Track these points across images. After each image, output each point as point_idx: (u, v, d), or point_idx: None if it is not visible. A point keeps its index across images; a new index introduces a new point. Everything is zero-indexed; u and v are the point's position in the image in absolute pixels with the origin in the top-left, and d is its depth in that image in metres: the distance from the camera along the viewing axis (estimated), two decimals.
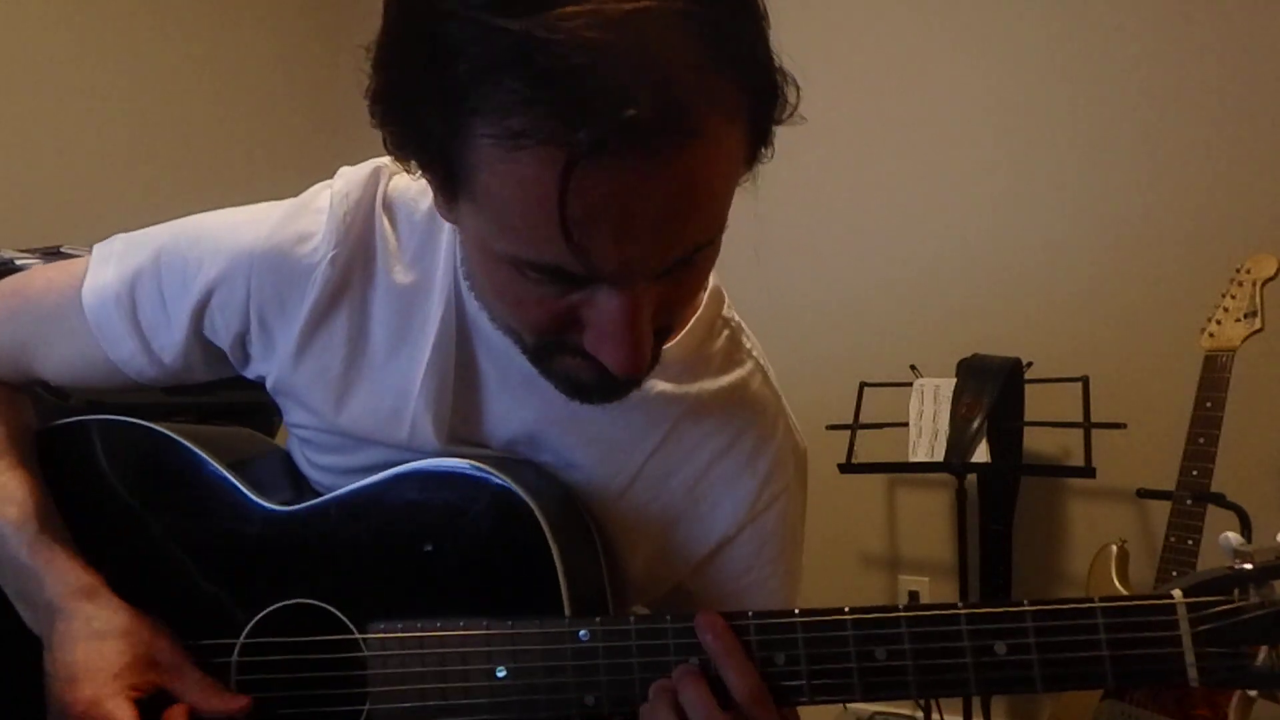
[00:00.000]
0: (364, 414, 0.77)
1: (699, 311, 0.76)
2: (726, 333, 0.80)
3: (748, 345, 0.81)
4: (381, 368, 0.76)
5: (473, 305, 0.74)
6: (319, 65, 3.03)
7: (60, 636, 0.70)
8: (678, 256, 0.55)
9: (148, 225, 0.91)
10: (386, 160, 0.76)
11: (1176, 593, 0.61)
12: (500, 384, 0.76)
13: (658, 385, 0.75)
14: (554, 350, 0.62)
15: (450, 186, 0.56)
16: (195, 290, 0.75)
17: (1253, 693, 0.62)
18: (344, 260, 0.74)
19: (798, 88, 0.56)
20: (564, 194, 0.49)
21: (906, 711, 2.27)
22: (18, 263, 1.41)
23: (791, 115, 0.57)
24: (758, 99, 0.54)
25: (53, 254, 1.47)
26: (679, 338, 0.75)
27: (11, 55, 2.20)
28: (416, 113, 0.54)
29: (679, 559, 0.80)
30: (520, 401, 0.76)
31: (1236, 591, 0.60)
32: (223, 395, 1.01)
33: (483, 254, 0.59)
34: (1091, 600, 0.63)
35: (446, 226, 0.74)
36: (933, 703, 2.12)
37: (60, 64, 2.30)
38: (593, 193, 0.49)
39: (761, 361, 0.81)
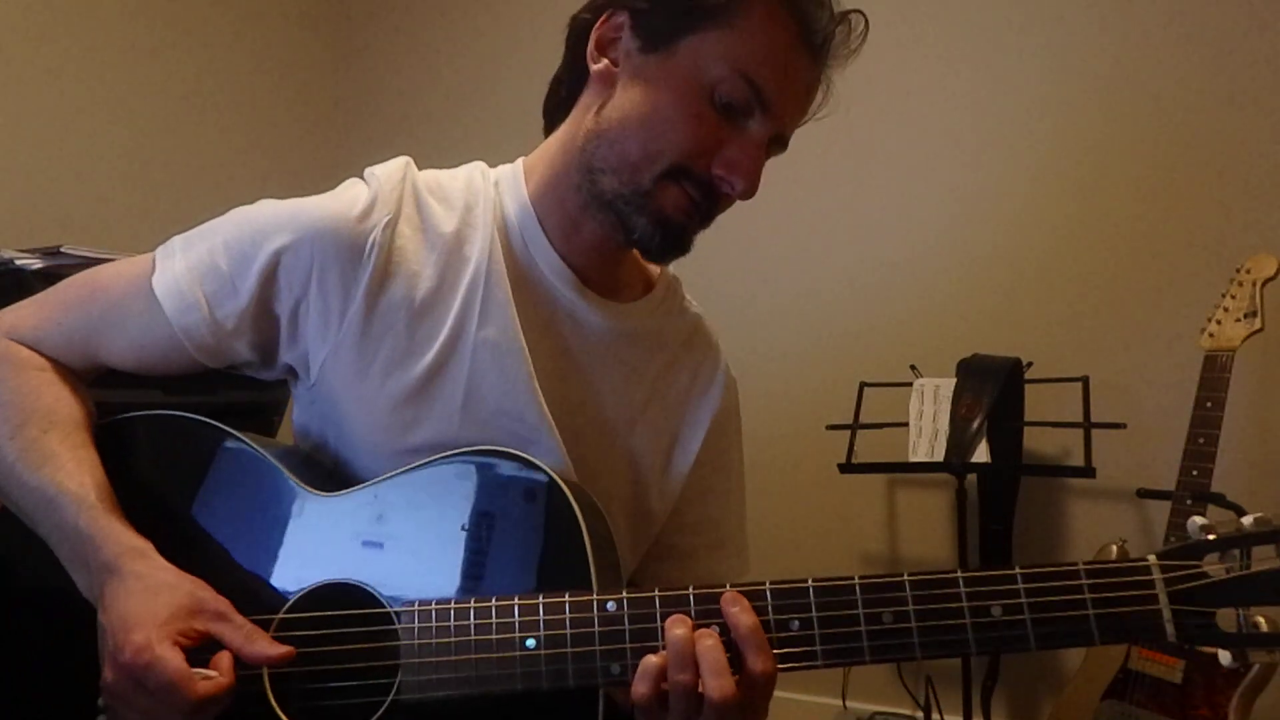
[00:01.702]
0: (426, 361, 0.84)
1: (663, 269, 1.01)
2: (679, 286, 1.02)
3: (689, 296, 1.03)
4: (438, 313, 0.85)
5: (522, 247, 0.88)
6: (319, 68, 3.03)
7: (113, 592, 0.74)
8: (790, 128, 0.85)
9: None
10: (409, 158, 0.90)
11: (1151, 557, 0.68)
12: (551, 318, 0.89)
13: (654, 323, 0.96)
14: (674, 178, 0.82)
15: (688, 22, 0.80)
16: (262, 258, 0.83)
17: (1225, 657, 0.67)
18: (396, 224, 0.85)
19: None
20: (791, 48, 0.81)
21: (907, 711, 2.27)
22: (17, 263, 1.41)
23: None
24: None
25: (53, 254, 1.47)
26: (661, 282, 0.98)
27: (12, 56, 2.20)
28: None
29: (678, 472, 0.97)
30: (566, 334, 0.90)
31: (1206, 559, 0.67)
32: (222, 395, 1.02)
33: (687, 81, 0.81)
34: (1075, 564, 0.69)
35: (482, 195, 0.89)
36: (932, 702, 2.12)
37: (61, 65, 2.30)
38: (797, 57, 0.81)
39: (700, 309, 1.03)
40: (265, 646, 0.74)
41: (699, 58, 0.80)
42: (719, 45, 0.80)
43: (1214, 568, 0.66)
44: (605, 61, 0.84)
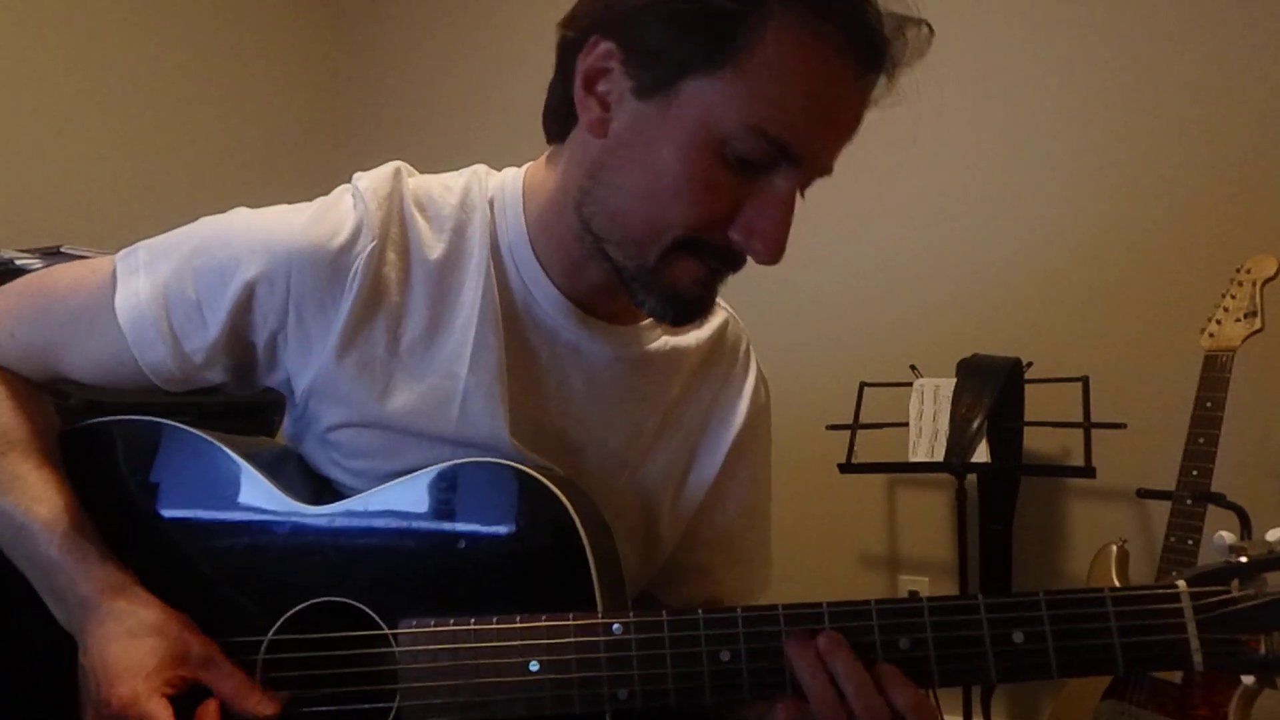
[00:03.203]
0: (412, 400, 0.79)
1: None
2: None
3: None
4: (426, 352, 0.79)
5: (518, 280, 0.80)
6: (317, 68, 3.03)
7: (94, 635, 0.71)
8: (828, 168, 0.73)
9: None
10: (402, 163, 0.83)
11: (1181, 583, 0.65)
12: (550, 355, 0.82)
13: (670, 342, 0.87)
14: (685, 250, 0.71)
15: (687, 64, 0.67)
16: (234, 289, 0.76)
17: (1249, 679, 0.66)
18: (381, 252, 0.77)
19: None
20: (827, 84, 0.67)
21: None
22: (17, 263, 1.41)
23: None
24: None
25: (53, 254, 1.47)
26: None
27: (12, 56, 2.20)
28: None
29: (691, 495, 0.90)
30: (568, 369, 0.83)
31: (1234, 583, 0.64)
32: (222, 395, 1.01)
33: (691, 138, 0.68)
34: (1101, 590, 0.66)
35: (477, 215, 0.81)
36: (933, 702, 2.12)
37: (60, 65, 2.30)
38: (838, 92, 0.68)
39: (728, 308, 0.95)
40: (256, 702, 0.71)
41: (705, 107, 0.67)
42: (725, 94, 0.66)
43: (1243, 592, 0.64)
44: (596, 105, 0.72)
